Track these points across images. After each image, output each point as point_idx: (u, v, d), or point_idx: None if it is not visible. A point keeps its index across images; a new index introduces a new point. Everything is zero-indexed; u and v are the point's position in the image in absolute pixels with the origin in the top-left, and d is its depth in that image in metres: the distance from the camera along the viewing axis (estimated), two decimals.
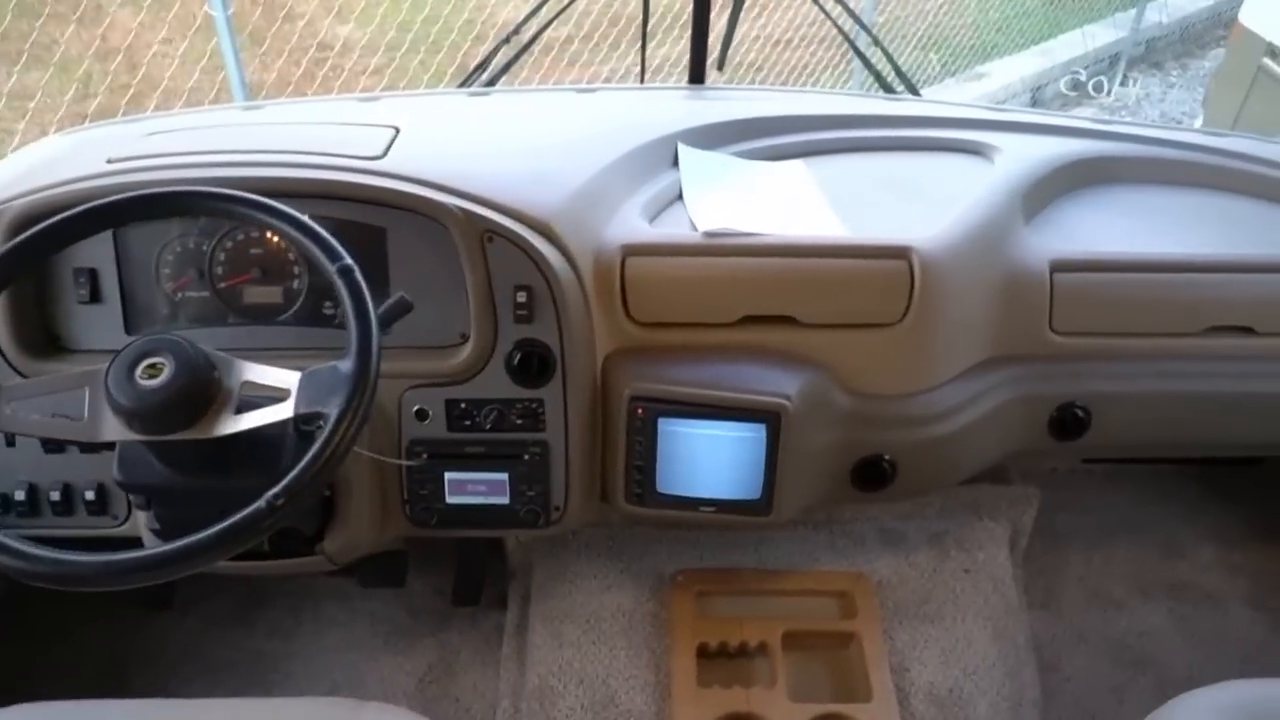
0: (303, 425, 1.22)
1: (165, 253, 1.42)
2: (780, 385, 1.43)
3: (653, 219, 1.52)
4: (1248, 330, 1.59)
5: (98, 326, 1.43)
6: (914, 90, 2.21)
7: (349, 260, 1.16)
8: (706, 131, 1.72)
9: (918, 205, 1.58)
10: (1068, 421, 1.59)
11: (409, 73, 4.51)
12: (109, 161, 1.42)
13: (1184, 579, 1.94)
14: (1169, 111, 5.83)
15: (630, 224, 1.47)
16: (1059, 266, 1.54)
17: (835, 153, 1.76)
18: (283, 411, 1.13)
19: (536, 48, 2.24)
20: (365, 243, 1.39)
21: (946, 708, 1.56)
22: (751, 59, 5.00)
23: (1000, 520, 1.83)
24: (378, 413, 1.41)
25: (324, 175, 1.37)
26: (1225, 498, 2.11)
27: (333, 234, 1.22)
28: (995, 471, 1.77)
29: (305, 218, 1.18)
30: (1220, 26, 6.42)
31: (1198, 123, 4.29)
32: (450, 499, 1.47)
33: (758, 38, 5.15)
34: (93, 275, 1.42)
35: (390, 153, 1.45)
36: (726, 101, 1.89)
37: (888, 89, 2.16)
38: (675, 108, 1.83)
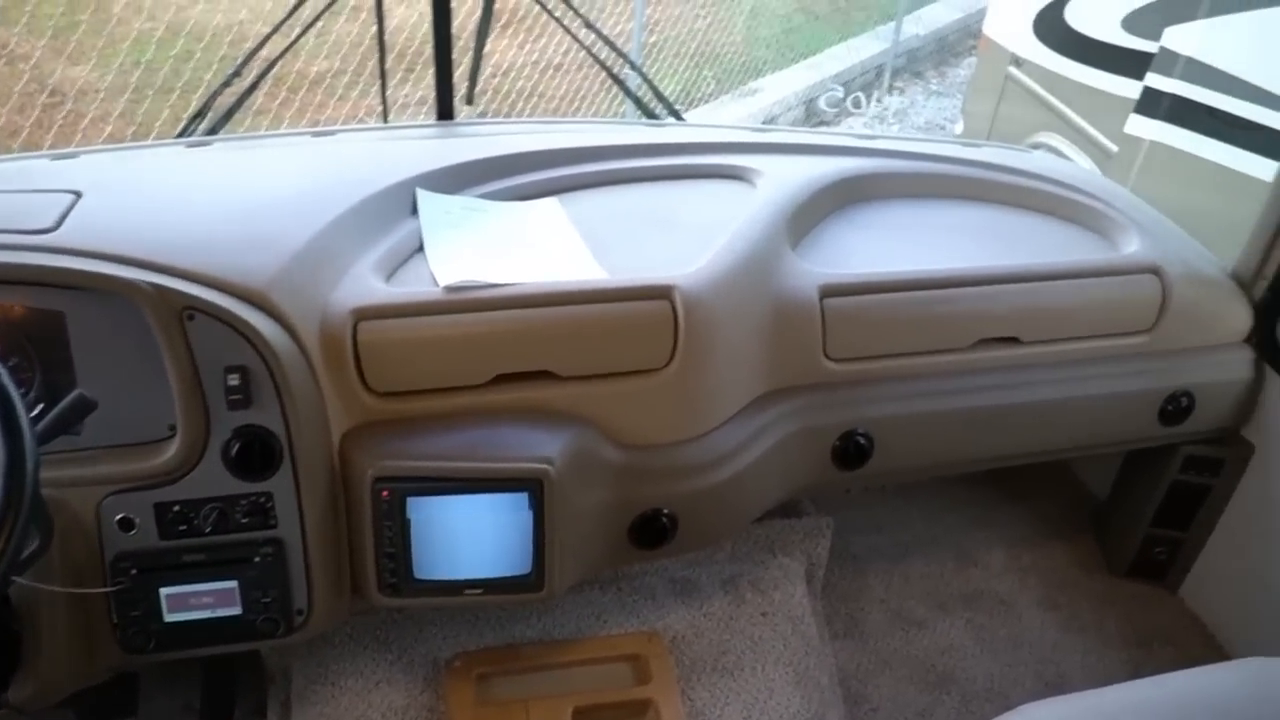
0: None
1: None
2: (541, 448, 1.29)
3: (389, 276, 1.35)
4: (1014, 340, 1.59)
5: None
6: (676, 114, 2.13)
7: None
8: (450, 173, 1.57)
9: (679, 239, 1.48)
10: (851, 450, 1.54)
11: (160, 117, 4.13)
12: None
13: (978, 588, 1.94)
14: (933, 118, 6.13)
15: (362, 284, 1.30)
16: (828, 292, 1.48)
17: (592, 187, 1.65)
18: None
19: (262, 91, 2.02)
20: (41, 330, 1.17)
21: None
22: (521, 86, 4.89)
23: (795, 555, 1.76)
24: (72, 528, 1.19)
25: None
26: (1011, 500, 2.14)
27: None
28: (786, 503, 1.70)
29: None
30: (971, 37, 6.82)
31: (958, 128, 4.48)
32: (170, 617, 1.26)
33: (530, 64, 5.05)
34: None
35: (65, 223, 1.24)
36: (476, 138, 1.75)
37: (650, 114, 2.08)
38: (419, 149, 1.67)
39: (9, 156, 1.62)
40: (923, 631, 1.83)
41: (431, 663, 1.55)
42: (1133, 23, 3.15)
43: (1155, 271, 1.62)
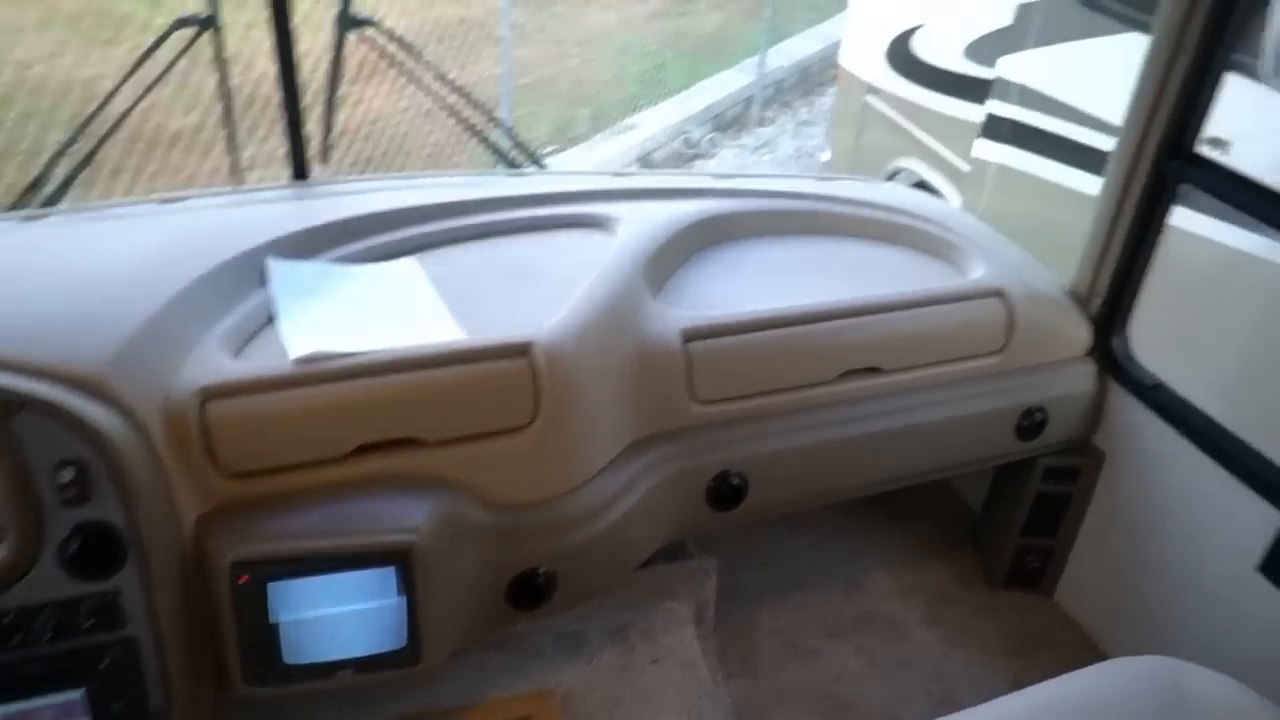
0: None
1: None
2: (407, 518, 1.26)
3: (239, 351, 1.31)
4: (876, 370, 1.63)
5: None
6: (538, 162, 2.14)
7: None
8: (303, 238, 1.54)
9: (540, 292, 1.48)
10: (725, 491, 1.55)
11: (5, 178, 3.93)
12: None
13: (866, 611, 1.97)
14: (804, 146, 6.30)
15: (209, 362, 1.25)
16: (691, 335, 1.50)
17: (451, 243, 1.64)
18: None
19: (113, 150, 1.95)
20: None
21: None
22: (393, 133, 4.84)
23: (682, 598, 1.77)
24: None
25: None
26: (894, 521, 2.19)
27: None
28: (671, 546, 1.71)
29: None
30: (832, 67, 7.07)
31: (826, 155, 4.62)
32: None
33: (400, 111, 5.01)
34: None
35: None
36: (333, 198, 1.72)
37: (511, 164, 2.08)
38: (272, 213, 1.63)
39: None
40: (816, 661, 1.86)
41: None
42: (973, 52, 3.31)
43: (999, 294, 1.69)
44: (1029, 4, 2.91)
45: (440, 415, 1.32)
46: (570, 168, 5.23)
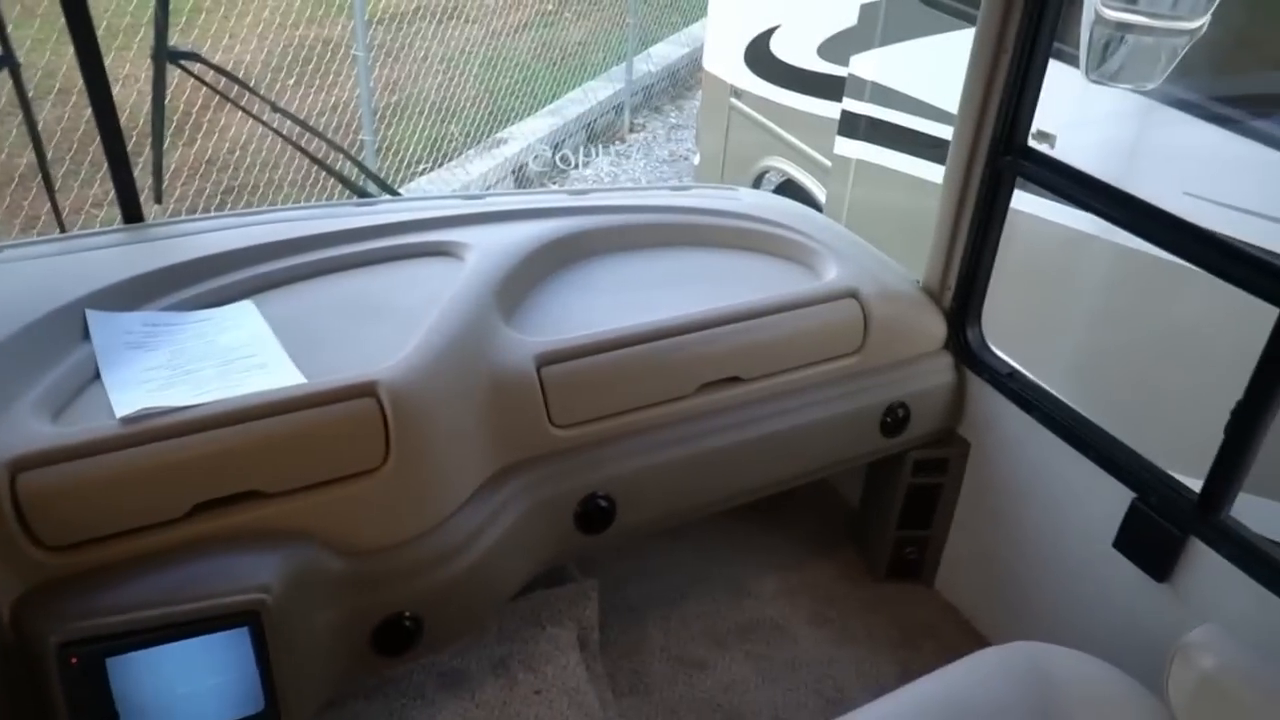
0: None
1: None
2: (254, 575, 1.20)
3: (57, 414, 1.23)
4: (736, 380, 1.63)
5: None
6: (390, 190, 2.09)
7: None
8: (131, 286, 1.45)
9: (387, 327, 1.43)
10: (593, 514, 1.53)
11: None
12: None
13: (753, 617, 1.98)
14: (676, 150, 6.34)
15: (20, 429, 1.17)
16: (545, 360, 1.47)
17: (293, 282, 1.58)
18: None
19: None
20: None
21: None
22: (264, 158, 4.67)
23: (564, 624, 1.74)
24: None
25: None
26: (777, 523, 2.20)
27: None
28: (550, 570, 1.67)
29: None
30: (699, 70, 7.14)
31: (697, 158, 4.65)
32: None
33: (256, 138, 4.84)
34: None
35: None
36: (167, 240, 1.63)
37: (361, 194, 2.02)
38: (100, 260, 1.54)
39: None
40: (705, 673, 1.85)
41: None
42: (826, 51, 3.37)
43: (854, 295, 1.71)
44: (871, 3, 2.98)
45: (283, 465, 1.26)
46: (439, 187, 5.15)
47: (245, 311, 1.47)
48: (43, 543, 1.14)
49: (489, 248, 1.64)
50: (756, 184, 4.05)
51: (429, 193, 4.94)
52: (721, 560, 2.11)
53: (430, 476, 1.34)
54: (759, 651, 1.90)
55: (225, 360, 1.34)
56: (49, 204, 1.77)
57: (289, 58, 5.09)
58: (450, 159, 5.65)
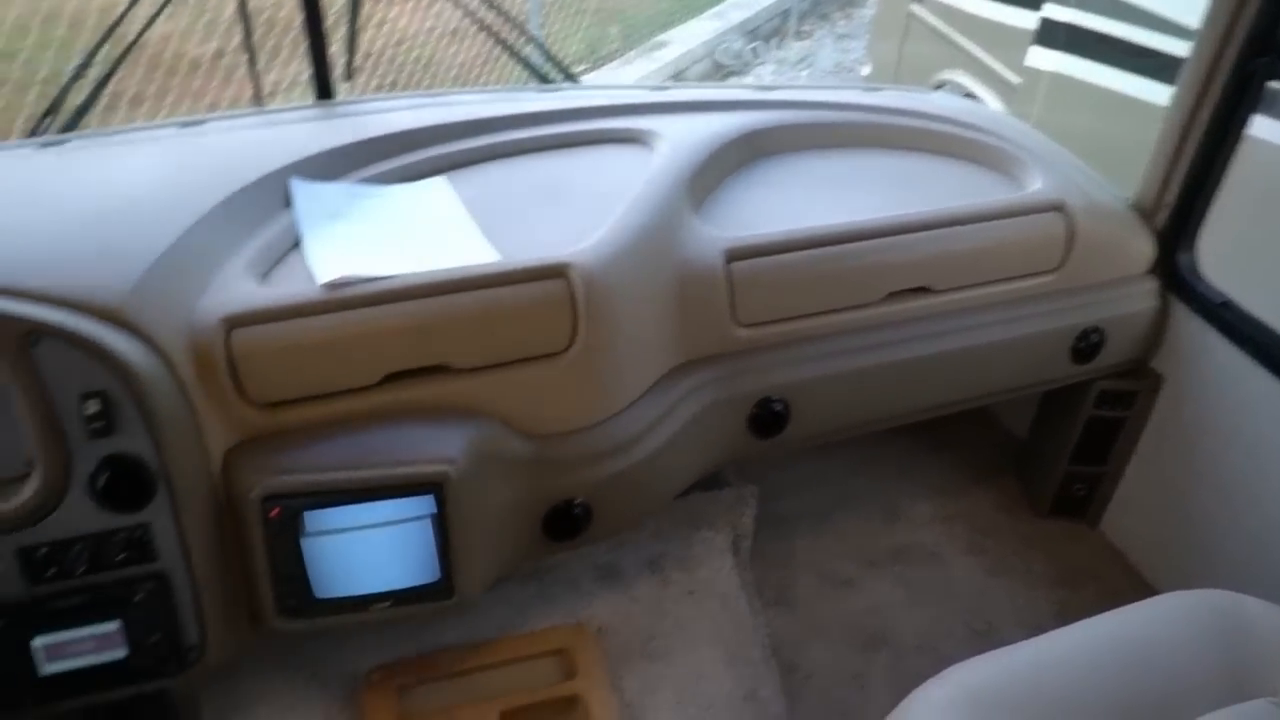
0: None
1: None
2: (441, 448, 1.22)
3: (264, 277, 1.26)
4: (925, 290, 1.55)
5: None
6: (571, 77, 2.05)
7: None
8: (329, 158, 1.48)
9: (575, 212, 1.42)
10: (767, 418, 1.50)
11: (20, 114, 3.87)
12: None
13: (905, 541, 1.93)
14: (843, 60, 6.09)
15: (233, 289, 1.21)
16: (734, 255, 1.43)
17: (482, 162, 1.58)
18: None
19: (132, 78, 1.88)
20: None
21: None
22: (418, 55, 4.71)
23: (719, 528, 1.73)
24: None
25: None
26: (935, 448, 2.13)
27: None
28: (707, 476, 1.66)
29: None
30: None
31: (866, 70, 4.44)
32: (48, 668, 1.17)
33: (426, 30, 4.87)
34: None
35: None
36: (357, 118, 1.65)
37: (543, 79, 1.99)
38: (296, 134, 1.57)
39: None
40: (852, 591, 1.82)
41: (348, 679, 1.49)
42: None
43: (1059, 208, 1.60)
44: None
45: (473, 341, 1.26)
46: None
47: (439, 188, 1.47)
48: (250, 400, 1.19)
49: (679, 138, 1.59)
50: None
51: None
52: (876, 480, 2.06)
53: (614, 364, 1.33)
54: (909, 575, 1.86)
55: (421, 234, 1.35)
56: (247, 84, 1.81)
57: None
58: (609, 61, 5.58)
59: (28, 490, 1.09)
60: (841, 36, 6.44)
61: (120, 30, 1.63)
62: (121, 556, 1.15)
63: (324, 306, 1.21)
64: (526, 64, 2.05)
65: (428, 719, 1.42)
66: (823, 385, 1.53)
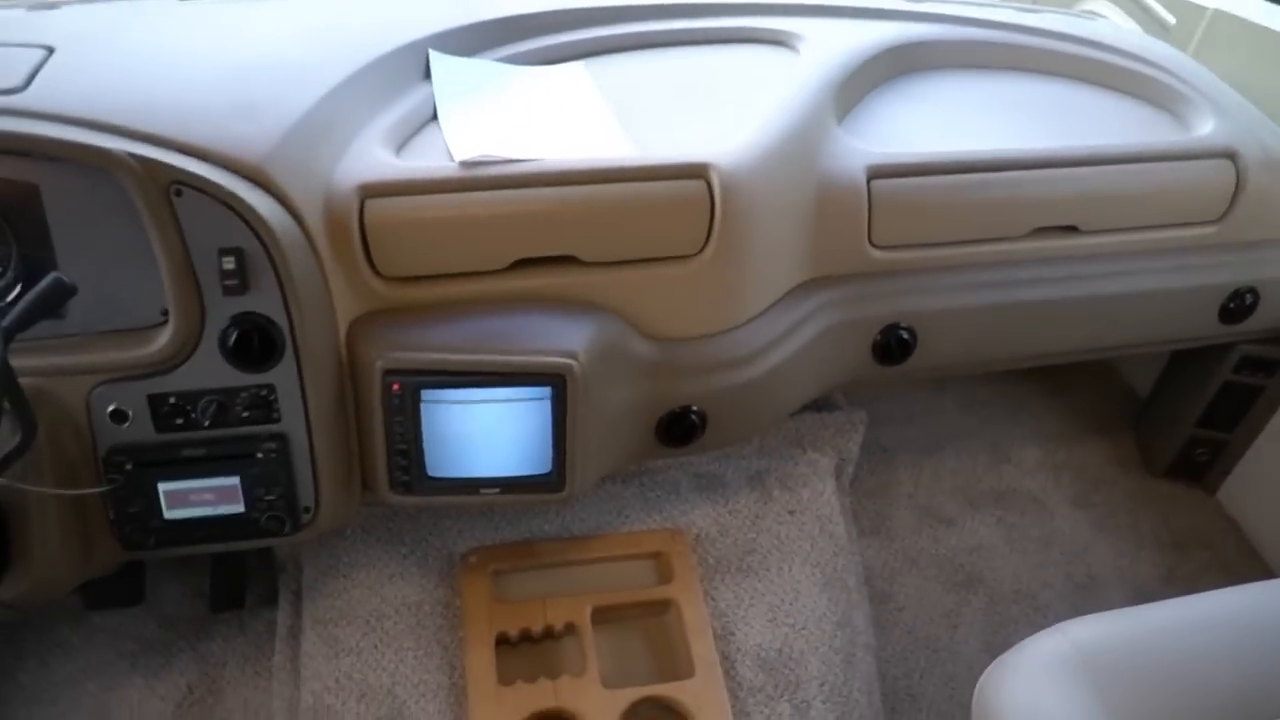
0: None
1: None
2: (565, 340, 1.20)
3: (400, 148, 1.24)
4: (1072, 230, 1.47)
5: None
6: None
7: None
8: (468, 33, 1.43)
9: (716, 111, 1.36)
10: (893, 344, 1.45)
11: None
12: None
13: (1010, 485, 1.87)
14: None
15: (369, 157, 1.18)
16: (877, 173, 1.36)
17: (623, 51, 1.52)
18: None
19: None
20: (16, 204, 1.07)
21: (776, 671, 1.42)
22: None
23: (825, 450, 1.69)
24: (60, 420, 1.12)
25: None
26: (1049, 393, 2.05)
27: None
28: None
29: None
30: None
31: None
32: (170, 513, 1.20)
33: None
34: None
35: (34, 82, 1.12)
36: None
37: None
38: (437, 3, 1.53)
39: None
40: (951, 529, 1.78)
41: (446, 557, 1.50)
42: None
43: (1230, 156, 1.49)
44: None
45: (604, 235, 1.23)
46: None
47: (577, 75, 1.42)
48: (380, 272, 1.18)
49: (827, 43, 1.51)
50: None
51: None
52: (985, 419, 2.00)
53: (745, 273, 1.29)
54: (1011, 520, 1.81)
55: (558, 119, 1.31)
56: None
57: None
58: None
59: (162, 338, 1.10)
60: None
61: None
62: (245, 414, 1.16)
63: (459, 184, 1.18)
64: None
65: (520, 605, 1.43)
66: (954, 318, 1.47)
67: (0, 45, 1.20)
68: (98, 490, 1.15)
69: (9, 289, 1.10)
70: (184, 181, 1.04)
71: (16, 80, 1.11)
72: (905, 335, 1.44)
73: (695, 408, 1.33)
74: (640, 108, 1.36)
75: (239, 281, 1.08)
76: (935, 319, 1.45)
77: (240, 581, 1.56)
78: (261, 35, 1.35)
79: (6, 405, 0.96)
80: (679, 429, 1.34)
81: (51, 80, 1.13)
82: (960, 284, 1.45)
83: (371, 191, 1.15)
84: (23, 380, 1.07)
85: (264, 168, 1.09)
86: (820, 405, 1.77)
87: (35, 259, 1.09)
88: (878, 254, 1.39)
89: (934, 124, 1.48)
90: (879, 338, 1.44)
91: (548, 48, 1.47)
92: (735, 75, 1.46)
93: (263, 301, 1.10)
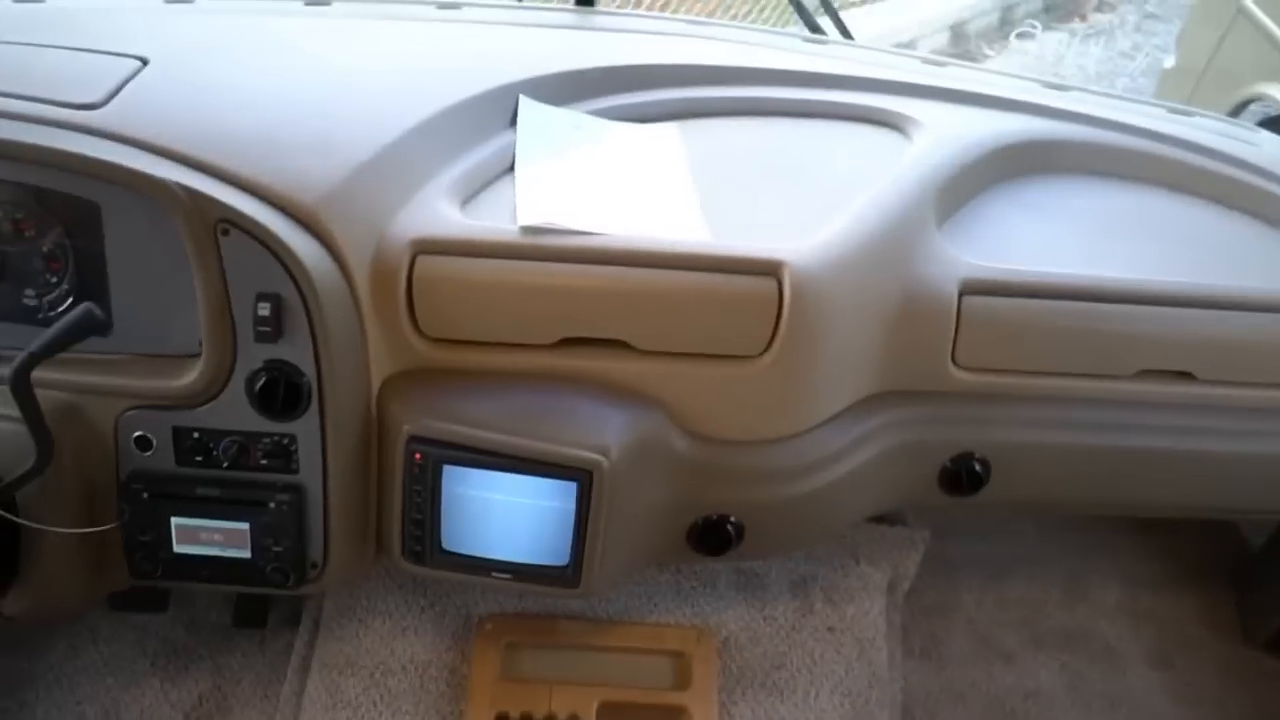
0: None
1: None
2: (599, 433, 1.12)
3: (467, 201, 1.19)
4: (1186, 376, 1.32)
5: None
6: (845, 32, 1.85)
7: None
8: (566, 80, 1.38)
9: (808, 195, 1.26)
10: (962, 475, 1.32)
11: None
12: None
13: (1083, 626, 1.72)
14: (1141, 43, 5.47)
15: (430, 210, 1.14)
16: (972, 287, 1.24)
17: (724, 115, 1.43)
18: None
19: None
20: (78, 219, 1.07)
21: None
22: None
23: (879, 565, 1.58)
24: (90, 439, 1.11)
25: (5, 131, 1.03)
26: (1140, 529, 1.87)
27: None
28: None
29: None
30: None
31: (1169, 61, 3.93)
32: (179, 548, 1.18)
33: None
34: None
35: (116, 99, 1.12)
36: (611, 34, 1.55)
37: (814, 28, 1.81)
38: (542, 41, 1.48)
39: None
40: (1009, 666, 1.64)
41: (463, 618, 1.45)
42: None
43: None
44: None
45: (660, 323, 1.15)
46: (874, 28, 4.74)
47: (668, 138, 1.35)
48: (421, 331, 1.13)
49: (943, 133, 1.39)
50: (1236, 113, 3.35)
51: (874, 43, 4.56)
52: (1064, 548, 1.83)
53: (808, 381, 1.19)
54: (1077, 667, 1.66)
55: (637, 187, 1.24)
56: None
57: None
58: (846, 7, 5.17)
59: (193, 372, 1.08)
60: (1148, 17, 5.76)
61: None
62: (264, 461, 1.13)
63: (516, 250, 1.12)
64: (799, 6, 1.87)
65: (527, 686, 1.37)
66: (1037, 455, 1.33)
67: (99, 52, 1.21)
68: (110, 527, 1.14)
69: (60, 300, 1.11)
70: (231, 221, 1.02)
71: (98, 95, 1.11)
72: (979, 467, 1.31)
73: (733, 518, 1.24)
74: (729, 180, 1.28)
75: (272, 329, 1.05)
76: (1016, 453, 1.32)
77: (265, 602, 1.55)
78: (357, 60, 1.33)
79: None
80: (713, 538, 1.25)
81: (132, 98, 1.13)
82: (1050, 419, 1.32)
83: (425, 247, 1.10)
84: (60, 395, 1.08)
85: (318, 212, 1.06)
86: (882, 514, 1.66)
87: (90, 274, 1.10)
88: (960, 375, 1.27)
89: (1046, 238, 1.35)
90: (949, 465, 1.32)
91: (647, 104, 1.41)
92: (838, 157, 1.36)
93: (294, 351, 1.07)
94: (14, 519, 1.07)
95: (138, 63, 1.19)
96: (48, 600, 1.15)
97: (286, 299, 1.04)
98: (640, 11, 1.74)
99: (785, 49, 1.59)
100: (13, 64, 1.17)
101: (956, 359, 1.26)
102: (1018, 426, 1.31)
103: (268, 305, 1.04)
